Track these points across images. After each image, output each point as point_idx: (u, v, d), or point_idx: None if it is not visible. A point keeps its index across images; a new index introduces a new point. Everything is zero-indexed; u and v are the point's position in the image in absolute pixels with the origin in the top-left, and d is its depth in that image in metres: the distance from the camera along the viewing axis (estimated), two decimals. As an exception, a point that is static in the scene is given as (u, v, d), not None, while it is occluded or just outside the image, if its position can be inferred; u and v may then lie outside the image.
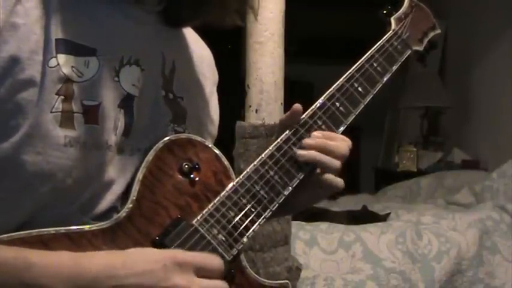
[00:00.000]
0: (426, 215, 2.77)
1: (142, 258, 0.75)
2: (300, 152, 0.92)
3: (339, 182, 0.94)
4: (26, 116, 0.74)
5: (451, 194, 3.46)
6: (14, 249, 0.71)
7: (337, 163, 0.92)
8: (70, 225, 0.76)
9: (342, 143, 0.93)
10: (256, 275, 0.88)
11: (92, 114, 0.79)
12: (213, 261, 0.79)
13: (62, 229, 0.75)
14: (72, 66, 0.78)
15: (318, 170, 0.94)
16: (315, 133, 0.93)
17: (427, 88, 4.50)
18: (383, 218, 2.90)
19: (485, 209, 2.83)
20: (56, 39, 0.78)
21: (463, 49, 4.51)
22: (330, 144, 0.92)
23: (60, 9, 0.79)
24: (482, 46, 4.25)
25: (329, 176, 0.93)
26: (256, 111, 1.97)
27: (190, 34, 1.01)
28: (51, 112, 0.76)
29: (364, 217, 2.96)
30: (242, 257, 0.87)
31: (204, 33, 1.05)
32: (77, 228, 0.77)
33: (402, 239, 2.53)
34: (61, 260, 0.72)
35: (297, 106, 0.94)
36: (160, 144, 0.85)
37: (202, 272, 0.77)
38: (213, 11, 0.92)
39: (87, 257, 0.74)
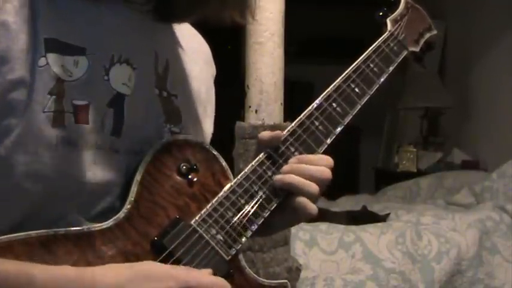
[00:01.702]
0: (426, 216, 2.77)
1: (148, 277, 0.74)
2: (276, 176, 0.90)
3: (313, 208, 0.90)
4: (18, 116, 0.74)
5: (451, 195, 3.47)
6: (15, 263, 0.70)
7: (315, 188, 0.89)
8: (68, 226, 0.76)
9: (323, 167, 0.90)
10: (255, 275, 0.88)
11: (82, 114, 0.79)
12: (220, 285, 0.78)
13: (61, 230, 0.75)
14: (62, 66, 0.78)
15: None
16: (291, 160, 0.91)
17: (426, 88, 4.50)
18: (383, 219, 2.90)
19: (485, 209, 2.84)
20: (44, 38, 0.77)
21: (462, 49, 4.52)
22: (309, 168, 0.90)
23: (48, 8, 0.78)
24: (481, 46, 4.25)
25: (303, 201, 0.89)
26: (256, 111, 1.97)
27: (186, 30, 1.00)
28: (43, 112, 0.75)
29: (363, 217, 2.96)
30: (241, 256, 0.87)
31: (204, 33, 1.05)
32: (76, 229, 0.76)
33: (402, 239, 2.53)
34: (65, 275, 0.72)
35: (279, 133, 0.92)
36: (158, 145, 0.85)
37: None
38: (209, 6, 0.91)
39: (91, 274, 0.73)
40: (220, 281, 0.79)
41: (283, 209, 0.91)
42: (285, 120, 2.00)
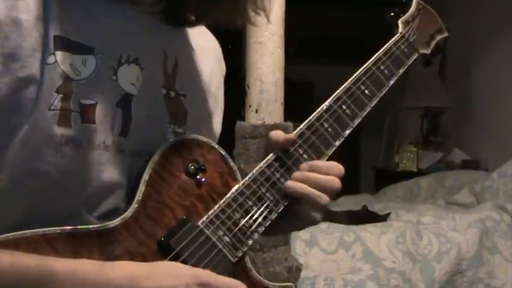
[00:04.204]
0: (426, 215, 2.77)
1: (166, 273, 0.75)
2: (289, 183, 0.89)
3: (318, 219, 0.91)
4: (26, 114, 0.74)
5: (451, 194, 3.47)
6: (35, 257, 0.71)
7: (325, 200, 0.89)
8: (75, 225, 0.76)
9: (333, 177, 0.90)
10: (260, 277, 0.88)
11: (89, 113, 0.79)
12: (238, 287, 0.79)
13: (67, 228, 0.75)
14: (70, 64, 0.77)
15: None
16: (303, 166, 0.91)
17: (427, 88, 4.50)
18: (383, 218, 2.90)
19: (485, 209, 2.84)
20: (54, 36, 0.77)
21: (463, 49, 4.52)
22: (320, 178, 0.90)
23: (59, 6, 0.78)
24: (482, 46, 4.25)
25: (310, 211, 0.90)
26: (256, 111, 1.97)
27: (196, 27, 0.99)
28: (49, 110, 0.75)
29: (364, 217, 2.97)
30: (247, 258, 0.87)
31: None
32: (82, 228, 0.76)
33: (402, 239, 2.53)
34: (85, 267, 0.72)
35: (292, 137, 0.92)
36: (166, 145, 0.85)
37: None
38: (221, 11, 0.91)
39: (111, 266, 0.73)
40: (239, 283, 0.79)
41: (290, 214, 0.91)
42: (285, 120, 2.00)
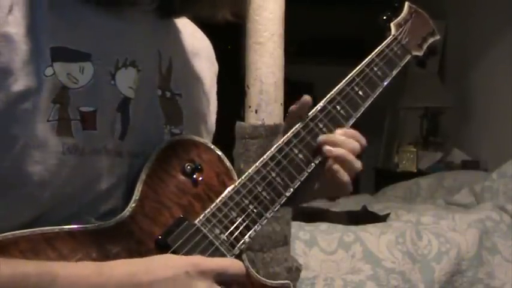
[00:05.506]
0: (426, 215, 2.77)
1: (165, 265, 0.76)
2: (326, 147, 0.94)
3: (350, 185, 0.95)
4: (23, 126, 0.74)
5: (451, 195, 3.47)
6: (35, 264, 0.71)
7: (359, 165, 0.95)
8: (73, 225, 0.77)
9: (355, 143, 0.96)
10: (258, 275, 0.88)
11: (90, 120, 0.79)
12: (235, 266, 0.80)
13: (66, 227, 0.76)
14: (68, 74, 0.78)
15: (332, 166, 0.94)
16: (338, 131, 0.96)
17: (426, 88, 4.51)
18: (383, 218, 2.90)
19: (485, 209, 2.84)
20: (51, 47, 0.77)
21: (462, 49, 4.52)
22: (357, 145, 0.96)
23: (50, 16, 0.78)
24: (481, 46, 4.25)
25: (345, 176, 0.94)
26: (256, 111, 1.97)
27: (187, 27, 1.00)
28: (48, 121, 0.76)
29: (364, 217, 2.96)
30: (244, 256, 0.88)
31: (204, 33, 1.05)
32: (81, 227, 0.77)
33: (402, 239, 2.53)
34: (84, 270, 0.73)
35: (307, 97, 0.95)
36: (163, 145, 0.86)
37: (224, 278, 0.78)
38: (203, 5, 0.92)
39: (110, 266, 0.74)
40: (235, 261, 0.81)
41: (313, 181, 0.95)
42: (284, 120, 2.00)
